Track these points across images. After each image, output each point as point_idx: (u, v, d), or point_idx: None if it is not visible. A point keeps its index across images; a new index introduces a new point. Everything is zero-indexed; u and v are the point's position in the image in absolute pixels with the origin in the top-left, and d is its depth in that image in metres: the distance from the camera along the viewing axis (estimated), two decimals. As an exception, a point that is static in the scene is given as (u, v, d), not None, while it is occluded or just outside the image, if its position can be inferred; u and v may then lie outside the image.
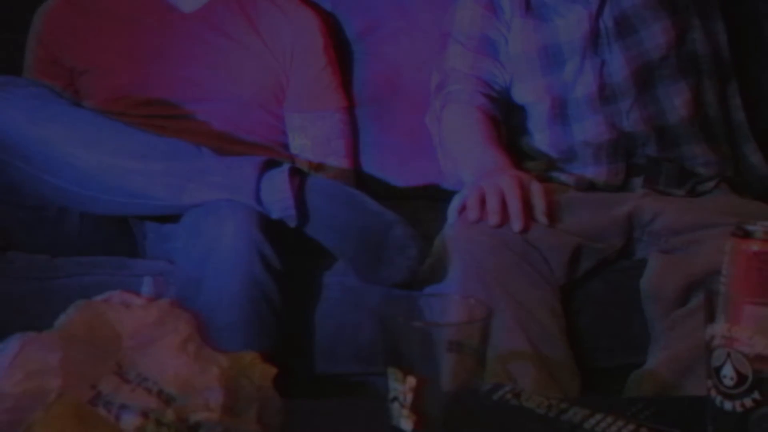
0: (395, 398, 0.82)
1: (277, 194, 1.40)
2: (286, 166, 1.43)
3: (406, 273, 1.38)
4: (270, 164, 1.43)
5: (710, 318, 0.88)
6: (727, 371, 0.87)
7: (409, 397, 0.81)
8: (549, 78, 1.69)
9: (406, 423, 0.82)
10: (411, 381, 0.81)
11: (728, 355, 0.87)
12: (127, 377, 0.79)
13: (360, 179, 1.87)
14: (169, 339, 0.82)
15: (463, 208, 1.44)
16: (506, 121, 1.72)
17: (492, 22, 1.73)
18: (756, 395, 0.86)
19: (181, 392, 0.79)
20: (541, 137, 1.71)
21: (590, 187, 1.63)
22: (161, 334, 0.82)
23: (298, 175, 1.42)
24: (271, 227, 1.40)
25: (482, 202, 1.41)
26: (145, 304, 0.85)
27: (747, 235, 0.89)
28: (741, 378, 0.86)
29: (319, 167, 1.81)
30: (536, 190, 1.45)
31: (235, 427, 0.79)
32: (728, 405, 0.87)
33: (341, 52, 1.91)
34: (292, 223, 1.41)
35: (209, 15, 1.82)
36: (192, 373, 0.80)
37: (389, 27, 1.94)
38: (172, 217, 1.49)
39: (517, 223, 1.39)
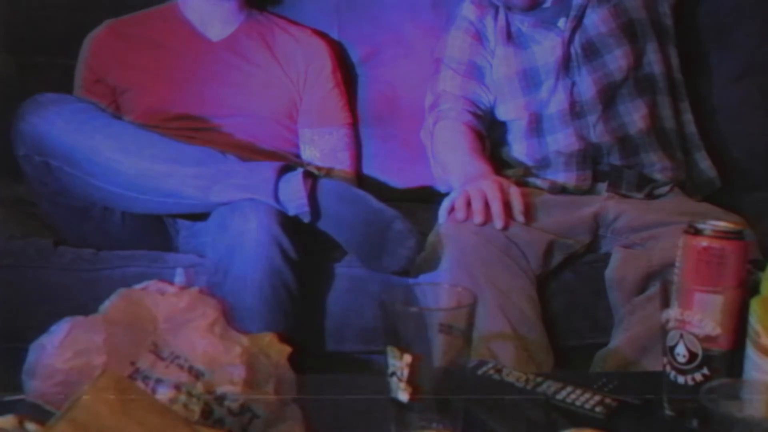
0: (394, 373, 0.82)
1: (293, 194, 1.40)
2: (300, 170, 1.43)
3: (404, 262, 1.38)
4: (286, 168, 1.43)
5: (665, 304, 0.88)
6: (680, 350, 0.87)
7: (406, 372, 0.81)
8: (528, 97, 1.69)
9: (403, 394, 0.82)
10: (407, 358, 0.81)
11: (681, 336, 0.87)
12: (162, 355, 0.79)
13: (362, 184, 1.87)
14: (199, 322, 0.81)
15: (451, 210, 1.44)
16: (489, 135, 1.72)
17: (479, 50, 1.73)
18: (705, 371, 0.86)
19: (208, 368, 0.79)
20: (519, 148, 1.71)
21: (561, 190, 1.63)
22: (191, 318, 0.82)
23: (310, 177, 1.43)
24: (288, 223, 1.40)
25: (468, 204, 1.42)
26: (177, 292, 0.85)
27: (697, 232, 0.89)
28: (692, 356, 0.86)
29: (329, 172, 1.81)
30: (515, 193, 1.45)
31: (254, 398, 0.79)
32: (681, 379, 0.88)
33: (346, 75, 1.91)
34: (306, 219, 1.41)
35: (233, 43, 1.82)
36: (218, 351, 0.80)
37: (389, 53, 1.94)
38: (202, 216, 1.48)
39: (498, 222, 1.40)
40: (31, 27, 1.91)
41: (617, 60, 1.67)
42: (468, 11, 1.76)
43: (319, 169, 1.79)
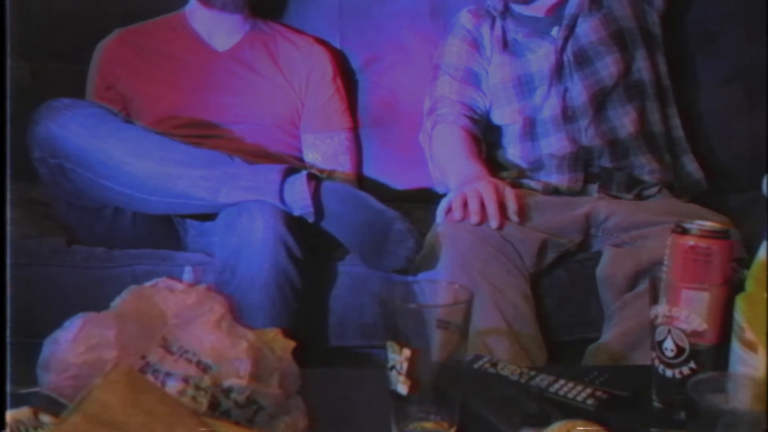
0: (393, 367, 0.82)
1: (298, 195, 1.40)
2: (303, 172, 1.43)
3: (404, 261, 1.38)
4: (291, 170, 1.44)
5: (654, 300, 0.89)
6: (668, 344, 0.87)
7: (405, 365, 0.81)
8: (522, 103, 1.69)
9: (402, 387, 0.82)
10: (406, 352, 0.81)
11: (669, 331, 0.87)
12: (171, 349, 0.79)
13: (362, 185, 1.87)
14: (206, 318, 0.81)
15: (449, 210, 1.44)
16: (485, 138, 1.73)
17: (475, 57, 1.73)
18: (692, 364, 0.86)
19: (215, 362, 0.79)
20: (513, 151, 1.71)
21: (554, 192, 1.63)
22: (199, 314, 0.82)
23: (314, 179, 1.43)
24: (293, 223, 1.40)
25: (465, 204, 1.42)
26: (186, 289, 0.85)
27: (684, 231, 0.89)
28: (680, 350, 0.86)
29: (330, 174, 1.81)
30: (509, 194, 1.45)
31: (260, 391, 0.79)
32: (669, 373, 0.88)
33: (347, 81, 1.91)
34: (311, 219, 1.41)
35: (238, 53, 1.82)
36: (225, 346, 0.80)
37: (388, 60, 1.94)
38: (210, 216, 1.48)
39: (494, 222, 1.40)
40: (44, 34, 1.91)
41: (608, 67, 1.67)
42: (465, 20, 1.77)
43: (321, 171, 1.79)
